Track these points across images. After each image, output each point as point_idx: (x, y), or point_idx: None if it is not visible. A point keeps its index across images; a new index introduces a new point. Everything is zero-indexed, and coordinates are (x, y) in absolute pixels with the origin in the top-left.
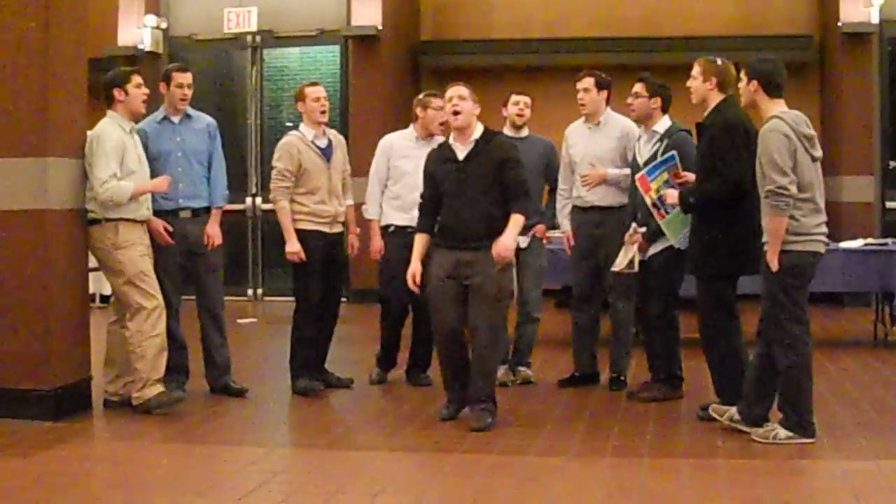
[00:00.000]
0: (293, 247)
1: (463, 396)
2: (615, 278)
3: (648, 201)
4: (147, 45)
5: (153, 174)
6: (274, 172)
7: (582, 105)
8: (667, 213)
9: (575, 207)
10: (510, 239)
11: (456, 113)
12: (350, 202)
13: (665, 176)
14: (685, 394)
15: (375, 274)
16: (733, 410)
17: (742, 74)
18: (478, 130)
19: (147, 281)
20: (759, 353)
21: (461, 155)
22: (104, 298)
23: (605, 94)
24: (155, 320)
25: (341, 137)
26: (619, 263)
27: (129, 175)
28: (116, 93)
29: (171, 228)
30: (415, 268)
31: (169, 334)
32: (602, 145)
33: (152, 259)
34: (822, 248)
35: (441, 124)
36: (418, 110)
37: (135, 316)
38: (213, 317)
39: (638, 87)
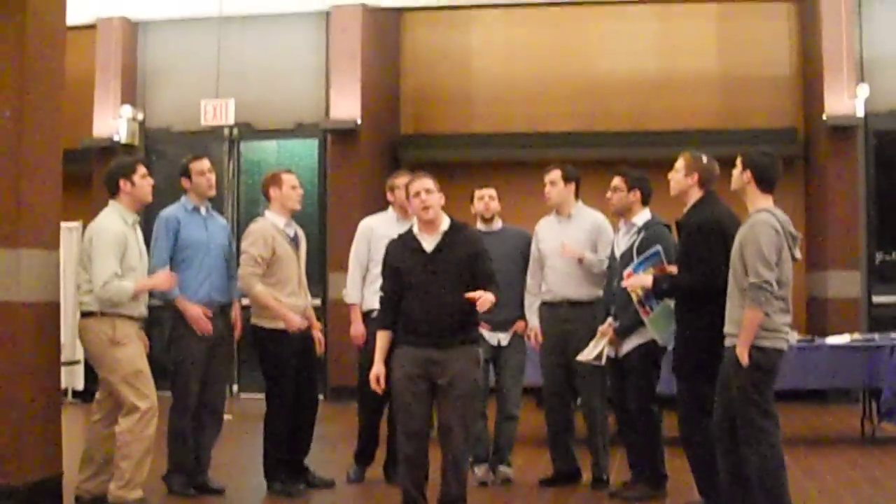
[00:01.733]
0: (293, 321)
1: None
2: (583, 376)
3: (634, 298)
4: (123, 137)
5: (181, 264)
6: (245, 258)
7: (548, 197)
8: (651, 309)
9: (544, 304)
10: (488, 296)
11: (426, 208)
12: (308, 297)
13: (651, 271)
14: (669, 493)
15: (353, 369)
16: None
17: (738, 161)
18: (445, 222)
19: (142, 380)
20: (723, 452)
21: (429, 246)
22: (76, 394)
23: (572, 186)
24: (147, 421)
25: (300, 230)
26: (587, 354)
27: (130, 272)
28: (122, 183)
29: (209, 314)
30: (378, 369)
31: (181, 434)
32: (572, 237)
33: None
34: (786, 346)
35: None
36: (388, 194)
37: (128, 415)
38: (214, 413)
39: (616, 182)
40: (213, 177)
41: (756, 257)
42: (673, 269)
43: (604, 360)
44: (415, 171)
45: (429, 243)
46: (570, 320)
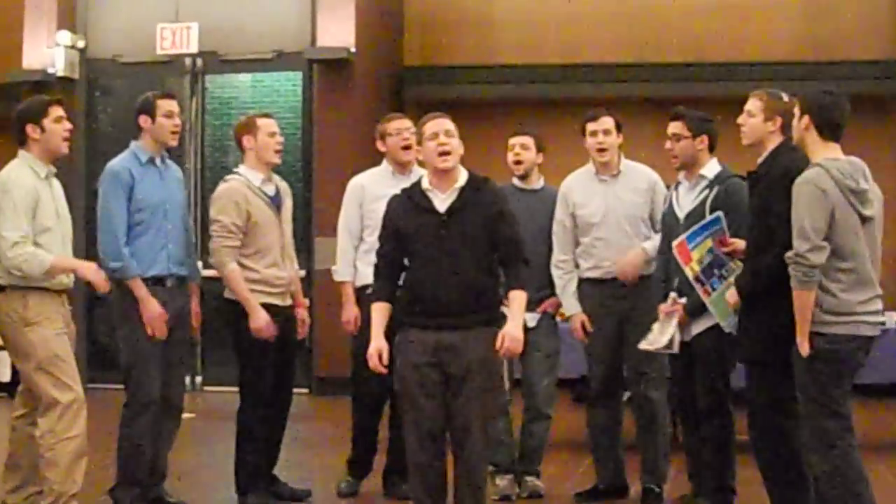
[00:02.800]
0: (259, 320)
1: None
2: (645, 361)
3: (690, 275)
4: (60, 69)
5: (134, 229)
6: (216, 227)
7: (602, 150)
8: (713, 288)
9: (587, 281)
10: (518, 327)
11: (444, 154)
12: (295, 266)
13: (709, 243)
14: None
15: (345, 356)
16: None
17: (796, 109)
18: (462, 176)
19: (63, 368)
20: (812, 460)
21: (442, 206)
22: (2, 387)
23: (621, 138)
24: (72, 418)
25: (286, 185)
26: (654, 341)
27: (44, 233)
28: (30, 129)
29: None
30: (379, 344)
31: (140, 441)
32: (627, 201)
33: (73, 339)
34: (870, 331)
35: (404, 148)
36: (379, 143)
37: (47, 412)
38: (171, 409)
39: (676, 128)
40: (179, 123)
41: (795, 226)
42: (739, 243)
43: (676, 347)
44: (422, 113)
45: (442, 202)
46: (624, 297)
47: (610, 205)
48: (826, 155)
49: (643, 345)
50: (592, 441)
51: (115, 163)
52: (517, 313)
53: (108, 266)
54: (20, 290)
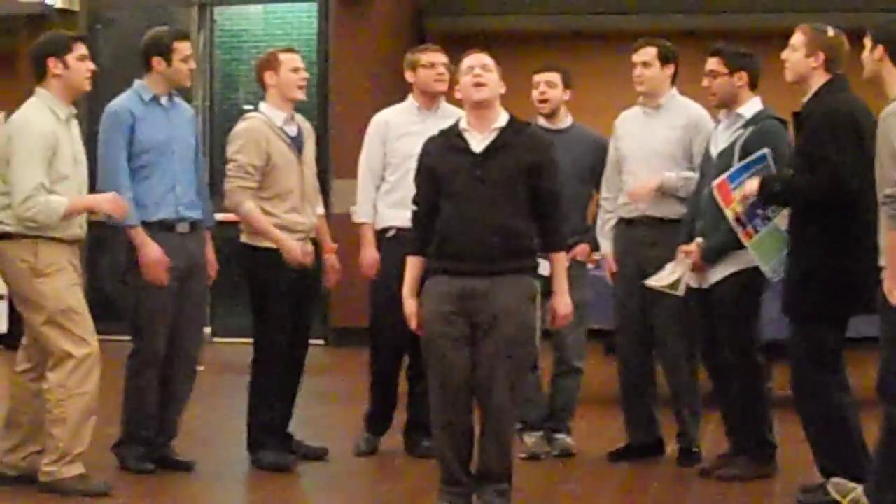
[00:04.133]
0: (291, 249)
1: (469, 485)
2: (670, 315)
3: (731, 216)
4: (58, 1)
5: (138, 172)
6: (232, 167)
7: (639, 83)
8: (756, 230)
9: (620, 221)
10: (565, 301)
11: (479, 84)
12: (321, 210)
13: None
14: (779, 470)
15: (363, 305)
16: (860, 490)
17: (866, 39)
18: (502, 117)
19: (76, 321)
20: (885, 416)
21: (478, 146)
22: (1, 338)
23: (670, 69)
24: (84, 374)
25: (309, 125)
26: (660, 278)
27: (61, 181)
28: (52, 64)
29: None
30: (412, 307)
31: (143, 393)
32: (660, 136)
33: (83, 288)
34: None
35: (437, 80)
36: (408, 74)
37: (58, 366)
38: (187, 363)
39: (713, 64)
40: (194, 65)
41: (888, 161)
42: None
43: (681, 290)
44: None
45: (479, 142)
46: (652, 244)
47: (644, 140)
48: None
49: (649, 281)
50: (622, 395)
51: (116, 103)
52: (561, 281)
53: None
54: (31, 239)
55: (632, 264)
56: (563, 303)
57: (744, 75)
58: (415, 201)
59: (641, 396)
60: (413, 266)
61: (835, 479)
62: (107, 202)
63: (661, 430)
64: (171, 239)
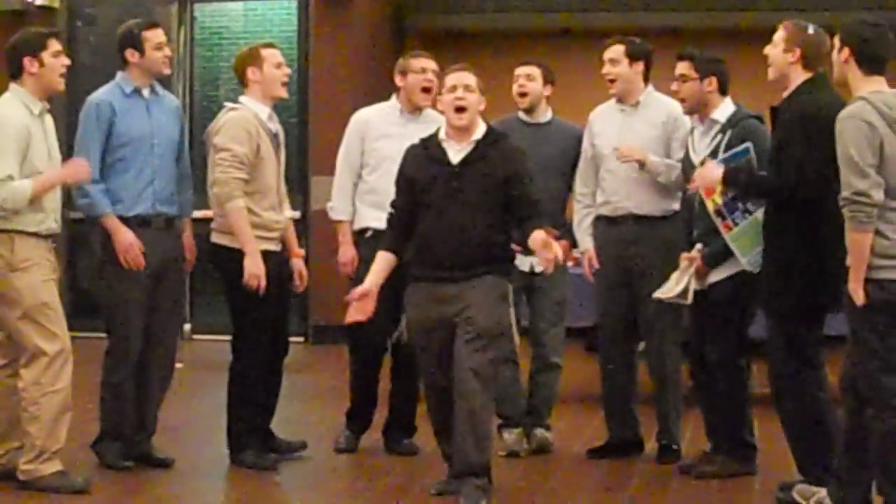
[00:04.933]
0: (256, 266)
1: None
2: (657, 312)
3: (711, 207)
4: None
5: (116, 165)
6: (226, 157)
7: (610, 81)
8: (735, 223)
9: (601, 218)
10: (548, 240)
11: (460, 109)
12: (289, 213)
13: None
14: (759, 469)
15: (342, 303)
16: (823, 493)
17: (835, 39)
18: (479, 129)
19: (50, 316)
20: (848, 414)
21: (455, 157)
22: None
23: (640, 66)
24: (58, 370)
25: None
26: (668, 290)
27: (34, 175)
28: (27, 62)
29: (142, 248)
30: (370, 287)
31: (120, 390)
32: (640, 133)
33: (58, 284)
34: None
35: (424, 90)
36: (398, 78)
37: (31, 362)
38: (164, 359)
39: (683, 68)
40: (170, 52)
41: (845, 164)
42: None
43: (690, 298)
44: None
45: (456, 153)
46: (635, 241)
47: (622, 136)
48: (869, 89)
49: (657, 294)
50: (603, 392)
51: (97, 95)
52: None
53: (77, 202)
54: (6, 234)
55: (615, 262)
56: (544, 240)
57: (713, 80)
58: (392, 205)
59: (623, 393)
60: (381, 259)
61: (799, 486)
62: (71, 170)
63: (641, 428)
64: (147, 235)
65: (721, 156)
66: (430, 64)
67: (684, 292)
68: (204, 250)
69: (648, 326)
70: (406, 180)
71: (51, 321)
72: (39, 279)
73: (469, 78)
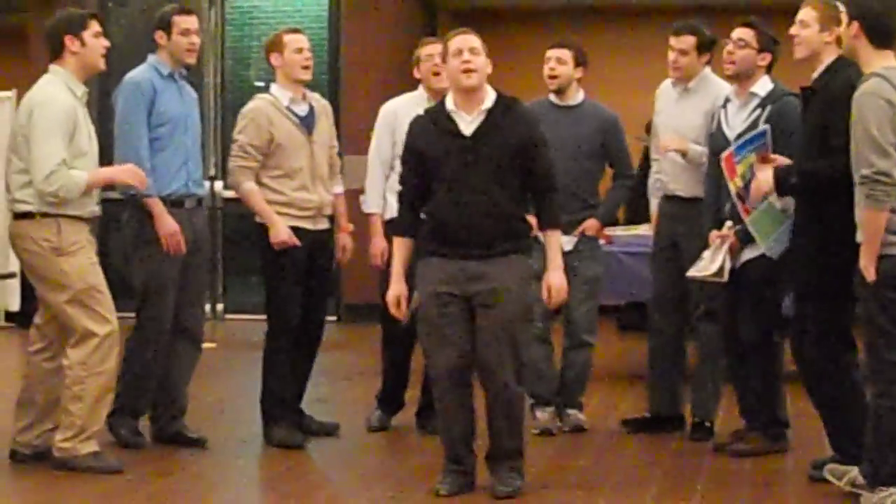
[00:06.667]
0: (280, 233)
1: (471, 462)
2: (696, 291)
3: (732, 189)
4: None
5: (153, 144)
6: (234, 148)
7: (675, 68)
8: (753, 207)
9: (663, 195)
10: (559, 274)
11: (468, 71)
12: (339, 189)
13: (752, 158)
14: (791, 446)
15: (375, 282)
16: (856, 472)
17: (842, 15)
18: (489, 97)
19: (99, 299)
20: (874, 394)
21: (468, 129)
22: (10, 316)
23: (706, 58)
24: (106, 352)
25: (326, 103)
26: (703, 268)
27: (80, 157)
28: (69, 41)
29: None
30: (398, 289)
31: (147, 367)
32: (687, 118)
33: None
34: None
35: (436, 74)
36: (415, 71)
37: (80, 344)
38: (192, 339)
39: (745, 34)
40: (198, 41)
41: (864, 142)
42: (780, 159)
43: (726, 276)
44: (458, 24)
45: (467, 124)
46: (681, 221)
47: (672, 119)
48: (881, 63)
49: (692, 272)
50: (650, 366)
51: (136, 73)
52: (555, 256)
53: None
54: (53, 218)
55: (667, 238)
56: (557, 277)
57: (768, 57)
58: (401, 181)
59: (671, 369)
60: (400, 248)
61: (829, 465)
62: (126, 173)
63: (683, 404)
64: (180, 214)
65: (741, 140)
66: (438, 48)
67: (720, 270)
68: (242, 227)
69: (693, 304)
70: (415, 155)
71: (99, 303)
72: (87, 262)
73: (474, 40)
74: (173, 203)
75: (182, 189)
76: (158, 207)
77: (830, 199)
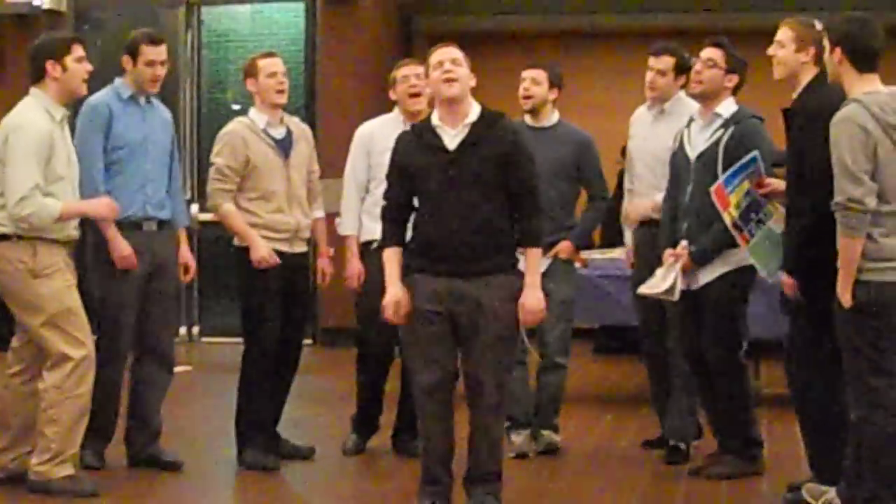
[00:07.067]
0: (260, 250)
1: (447, 484)
2: (644, 310)
3: (728, 220)
4: (46, 1)
5: (110, 168)
6: (211, 171)
7: (652, 88)
8: (751, 235)
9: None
10: (536, 296)
11: (450, 80)
12: (319, 213)
13: (746, 185)
14: (767, 467)
15: (351, 304)
16: (833, 493)
17: (825, 41)
18: (474, 111)
19: (74, 322)
20: (855, 418)
21: (452, 143)
22: None
23: (682, 80)
24: (81, 375)
25: (305, 127)
26: (654, 285)
27: (57, 182)
28: (50, 66)
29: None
30: (396, 294)
31: (110, 390)
32: (662, 140)
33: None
34: None
35: (412, 96)
36: (391, 93)
37: (55, 367)
38: (162, 363)
39: (714, 54)
40: (163, 71)
41: (838, 169)
42: (776, 183)
43: (677, 295)
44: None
45: (451, 138)
46: (658, 246)
47: (648, 142)
48: (864, 88)
49: (642, 289)
50: (652, 394)
51: (95, 97)
52: (534, 276)
53: None
54: (28, 241)
55: (647, 262)
56: (534, 297)
57: (735, 78)
58: (386, 196)
59: (667, 390)
60: (391, 257)
61: (808, 484)
62: (103, 208)
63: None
64: (138, 237)
65: (730, 171)
66: (413, 69)
67: (671, 289)
68: (219, 250)
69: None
70: (399, 170)
71: (75, 327)
72: (63, 285)
73: (456, 52)
74: (130, 226)
75: (140, 212)
76: (112, 231)
77: (826, 218)
